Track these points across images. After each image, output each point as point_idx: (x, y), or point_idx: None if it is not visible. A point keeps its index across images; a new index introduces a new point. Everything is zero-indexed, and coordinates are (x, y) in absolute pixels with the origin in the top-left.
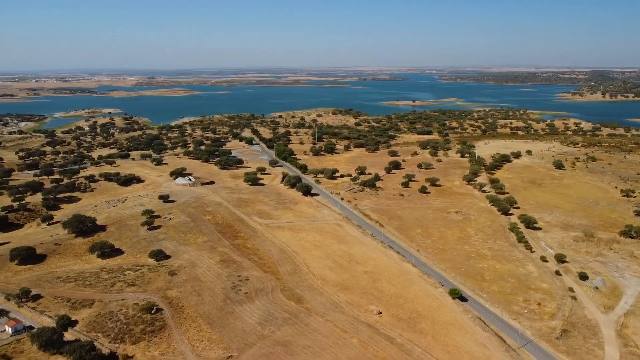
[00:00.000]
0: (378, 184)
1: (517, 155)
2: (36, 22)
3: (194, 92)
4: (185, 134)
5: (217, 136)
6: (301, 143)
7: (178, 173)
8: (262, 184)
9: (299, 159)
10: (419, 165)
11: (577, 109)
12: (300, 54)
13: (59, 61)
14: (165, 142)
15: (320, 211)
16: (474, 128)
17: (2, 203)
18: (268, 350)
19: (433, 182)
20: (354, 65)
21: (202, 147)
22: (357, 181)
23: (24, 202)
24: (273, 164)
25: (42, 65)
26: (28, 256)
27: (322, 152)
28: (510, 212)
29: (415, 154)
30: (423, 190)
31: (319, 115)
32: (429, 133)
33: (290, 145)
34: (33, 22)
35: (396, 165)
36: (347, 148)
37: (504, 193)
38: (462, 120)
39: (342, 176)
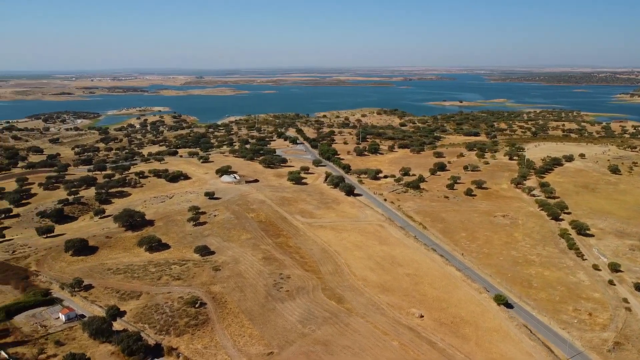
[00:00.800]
0: (422, 185)
1: (570, 158)
2: (93, 24)
3: (241, 91)
4: (231, 132)
5: (262, 135)
6: (345, 143)
7: (224, 171)
8: (305, 183)
9: (342, 159)
10: (465, 167)
11: (636, 111)
12: (346, 54)
13: (114, 61)
14: (211, 141)
15: (363, 212)
16: (523, 130)
17: (59, 196)
18: (308, 348)
19: (479, 184)
20: (400, 65)
21: (248, 146)
22: (401, 182)
23: (78, 195)
24: (316, 163)
25: (97, 65)
26: (81, 248)
27: (365, 152)
28: (560, 217)
29: (461, 155)
30: (469, 192)
31: (363, 115)
32: (476, 134)
33: (334, 145)
34: (90, 24)
35: (441, 167)
36: (391, 148)
37: (554, 197)
38: (511, 122)
39: (385, 177)
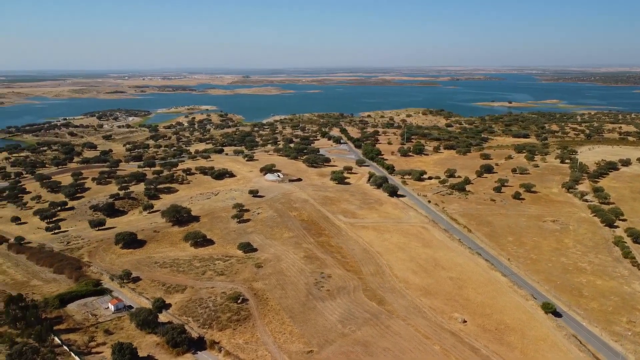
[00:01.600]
0: (468, 187)
1: (626, 162)
2: (146, 26)
3: (286, 90)
4: (276, 131)
5: (306, 134)
6: (389, 143)
7: (268, 169)
8: (348, 183)
9: (386, 159)
10: (514, 170)
11: None
12: (392, 54)
13: (164, 61)
14: (256, 139)
15: (406, 213)
16: (576, 132)
17: (110, 191)
18: (348, 349)
19: (528, 188)
20: (447, 65)
21: (292, 145)
22: (446, 184)
23: (128, 190)
24: (360, 163)
25: (149, 65)
26: (130, 241)
27: (410, 153)
28: (615, 224)
29: (509, 157)
30: (517, 196)
31: (408, 116)
32: (526, 136)
33: (378, 145)
34: (143, 26)
35: (488, 169)
36: (436, 149)
37: (608, 203)
38: (563, 124)
39: (430, 178)
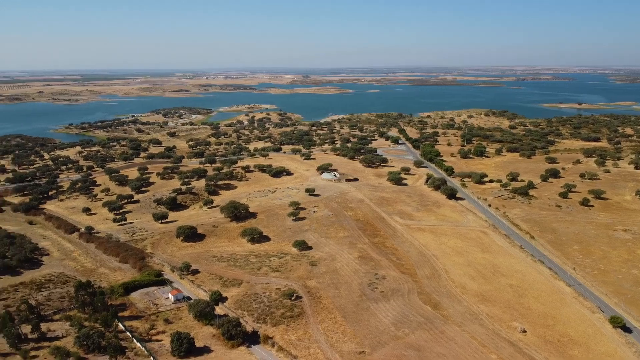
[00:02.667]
0: (531, 192)
1: None
2: (210, 26)
3: (345, 90)
4: (334, 130)
5: (363, 134)
6: (449, 144)
7: (324, 168)
8: (405, 184)
9: (445, 161)
10: (582, 175)
11: None
12: (454, 54)
13: (227, 60)
14: (314, 138)
15: (465, 216)
16: None
17: (173, 186)
18: (400, 352)
19: (597, 194)
20: (511, 65)
21: (349, 145)
22: (508, 187)
23: (190, 186)
24: (418, 164)
25: (212, 64)
26: (190, 234)
27: (470, 155)
28: None
29: (577, 162)
30: (585, 202)
31: (469, 116)
32: (596, 140)
33: (437, 146)
34: (208, 27)
35: (554, 173)
36: (498, 152)
37: None
38: (639, 127)
39: (491, 181)
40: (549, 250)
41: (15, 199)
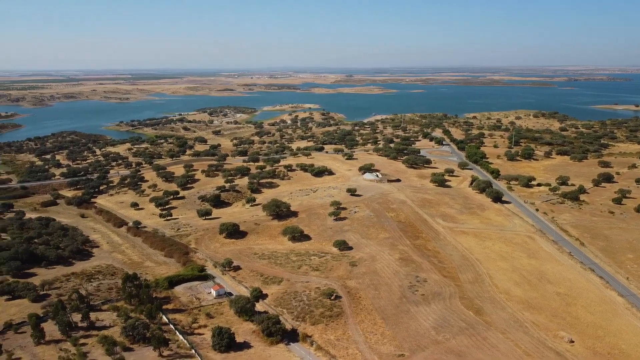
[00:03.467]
0: (582, 197)
1: None
2: (257, 26)
3: (388, 90)
4: (377, 131)
5: (407, 135)
6: (495, 146)
7: (366, 169)
8: (448, 186)
9: (491, 163)
10: (638, 180)
11: None
12: (502, 53)
13: (271, 60)
14: (357, 138)
15: (511, 220)
16: None
17: (217, 183)
18: (440, 356)
19: None
20: (563, 65)
21: (392, 145)
22: (557, 192)
23: (234, 184)
24: (462, 166)
25: (257, 63)
26: (233, 231)
27: (517, 158)
28: None
29: (633, 166)
30: None
31: (517, 118)
32: None
33: (483, 147)
34: (253, 27)
35: (607, 178)
36: (547, 155)
37: None
38: None
39: (539, 185)
40: (600, 258)
41: (68, 193)
